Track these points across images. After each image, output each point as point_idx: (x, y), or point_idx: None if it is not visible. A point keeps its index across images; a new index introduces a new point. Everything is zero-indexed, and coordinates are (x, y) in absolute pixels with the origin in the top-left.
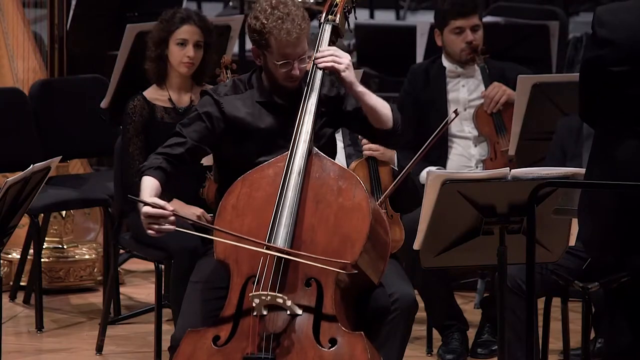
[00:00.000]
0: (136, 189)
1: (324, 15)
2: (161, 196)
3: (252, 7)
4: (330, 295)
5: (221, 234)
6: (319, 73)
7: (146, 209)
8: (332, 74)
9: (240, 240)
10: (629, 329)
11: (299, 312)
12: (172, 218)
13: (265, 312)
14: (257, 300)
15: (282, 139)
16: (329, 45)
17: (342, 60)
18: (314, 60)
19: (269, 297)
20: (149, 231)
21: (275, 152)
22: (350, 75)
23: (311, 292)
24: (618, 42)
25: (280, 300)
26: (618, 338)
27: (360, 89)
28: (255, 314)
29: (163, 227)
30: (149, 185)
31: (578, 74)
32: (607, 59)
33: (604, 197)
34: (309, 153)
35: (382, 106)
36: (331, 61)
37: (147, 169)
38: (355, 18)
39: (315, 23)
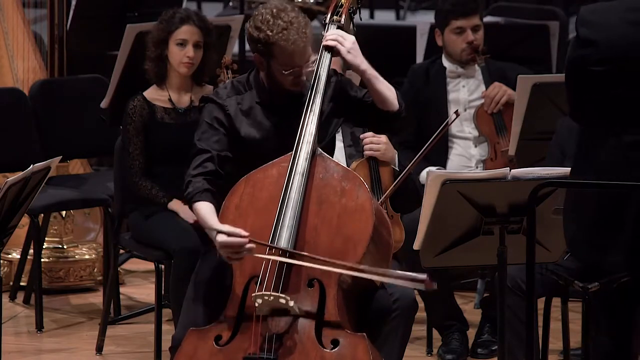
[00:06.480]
0: (142, 190)
1: (329, 16)
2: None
3: (252, 9)
4: (332, 296)
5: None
6: (324, 74)
7: (222, 239)
8: (334, 54)
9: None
10: (609, 331)
11: (302, 312)
12: (251, 245)
13: (267, 313)
14: (259, 301)
15: (281, 140)
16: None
17: (346, 43)
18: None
19: (271, 298)
20: (230, 261)
21: (275, 153)
22: (354, 58)
23: (314, 292)
24: (599, 42)
25: (283, 301)
26: (601, 340)
27: (368, 72)
28: (257, 314)
29: (242, 255)
30: (210, 211)
31: None
32: (589, 59)
33: (587, 197)
34: (313, 154)
35: (388, 88)
36: (334, 40)
37: (195, 193)
38: (360, 19)
39: (315, 23)
